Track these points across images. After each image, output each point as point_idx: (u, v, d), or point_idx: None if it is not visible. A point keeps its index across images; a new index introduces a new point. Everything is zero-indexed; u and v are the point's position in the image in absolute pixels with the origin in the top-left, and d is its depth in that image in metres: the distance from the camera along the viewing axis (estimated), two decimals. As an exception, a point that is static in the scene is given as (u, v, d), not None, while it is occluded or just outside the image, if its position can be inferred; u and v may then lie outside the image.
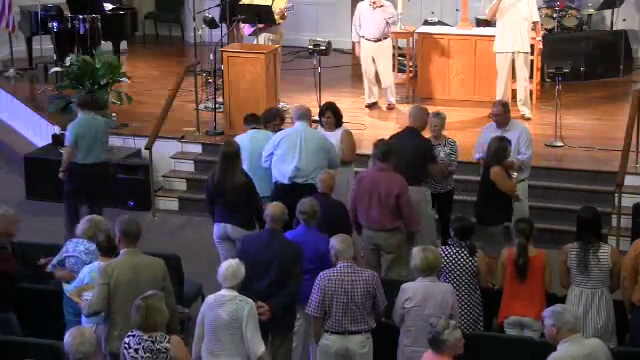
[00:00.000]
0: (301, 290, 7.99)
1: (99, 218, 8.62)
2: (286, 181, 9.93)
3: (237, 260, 7.55)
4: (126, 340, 6.80)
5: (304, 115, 10.18)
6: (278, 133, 10.22)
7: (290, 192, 9.60)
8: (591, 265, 8.20)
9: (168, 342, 6.74)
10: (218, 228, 9.51)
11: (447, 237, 9.77)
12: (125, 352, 6.79)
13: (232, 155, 9.42)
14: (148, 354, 6.70)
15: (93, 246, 8.28)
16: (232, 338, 7.32)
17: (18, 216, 8.54)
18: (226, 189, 9.33)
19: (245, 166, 9.82)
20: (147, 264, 7.61)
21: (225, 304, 7.33)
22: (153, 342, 6.72)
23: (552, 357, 6.65)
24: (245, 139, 10.28)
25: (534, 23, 13.23)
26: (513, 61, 13.13)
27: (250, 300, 7.39)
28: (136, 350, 6.74)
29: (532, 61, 14.03)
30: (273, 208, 8.26)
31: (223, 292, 7.40)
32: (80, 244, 8.38)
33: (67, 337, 6.49)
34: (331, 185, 9.20)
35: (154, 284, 7.42)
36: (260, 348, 7.34)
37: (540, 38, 13.50)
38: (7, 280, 8.29)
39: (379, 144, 9.61)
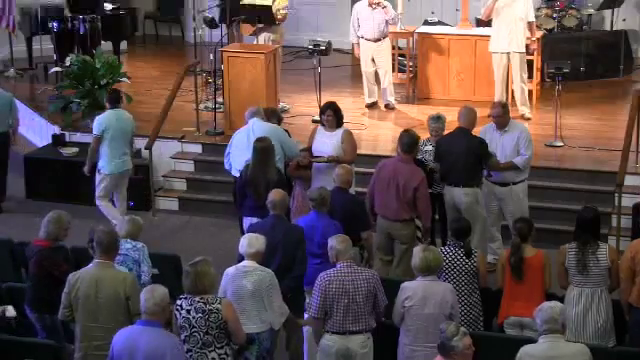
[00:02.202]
0: (310, 275, 8.13)
1: (138, 219, 8.67)
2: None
3: (258, 234, 7.82)
4: (178, 302, 7.07)
5: (256, 112, 10.40)
6: (235, 133, 10.41)
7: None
8: (590, 265, 8.20)
9: (219, 303, 7.06)
10: (247, 222, 9.58)
11: (447, 237, 9.80)
12: (177, 313, 7.06)
13: (266, 150, 9.58)
14: (200, 314, 7.02)
15: (140, 244, 8.45)
16: (256, 307, 7.67)
17: (70, 222, 8.44)
18: (258, 183, 9.44)
19: (106, 144, 10.91)
20: (111, 280, 7.33)
21: (247, 275, 7.65)
22: (205, 303, 7.02)
23: (521, 349, 6.81)
24: (112, 119, 10.99)
25: (529, 23, 13.20)
26: (509, 61, 13.14)
27: (270, 270, 7.73)
28: (188, 311, 7.04)
29: (532, 61, 14.05)
30: (274, 195, 8.51)
31: (244, 263, 7.72)
32: (125, 242, 8.40)
33: (141, 293, 6.78)
34: (347, 179, 9.30)
35: (114, 302, 7.27)
36: (287, 309, 7.80)
37: (534, 38, 13.47)
38: (57, 283, 8.17)
39: (405, 135, 9.67)
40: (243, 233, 10.18)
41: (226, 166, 10.50)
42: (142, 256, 8.41)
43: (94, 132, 11.09)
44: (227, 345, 7.15)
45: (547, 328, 6.72)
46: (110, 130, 10.99)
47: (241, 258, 7.85)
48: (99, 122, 11.06)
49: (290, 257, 8.16)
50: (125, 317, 7.31)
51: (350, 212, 8.98)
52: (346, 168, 9.43)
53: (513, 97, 13.37)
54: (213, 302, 7.06)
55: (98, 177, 11.20)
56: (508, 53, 13.10)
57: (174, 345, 6.71)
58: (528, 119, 13.10)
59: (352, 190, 9.65)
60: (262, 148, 9.58)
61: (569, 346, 6.81)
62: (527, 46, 13.24)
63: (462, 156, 9.89)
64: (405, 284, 7.71)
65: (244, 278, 7.65)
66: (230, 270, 7.74)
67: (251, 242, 7.75)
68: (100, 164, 11.14)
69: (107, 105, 11.23)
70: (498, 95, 13.15)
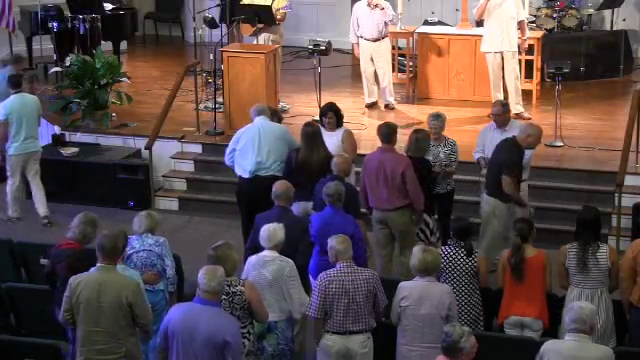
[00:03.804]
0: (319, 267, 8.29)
1: (155, 213, 8.77)
2: (247, 175, 10.18)
3: (278, 224, 8.01)
4: None
5: (262, 111, 10.45)
6: (240, 130, 10.45)
7: (252, 185, 10.09)
8: (590, 265, 8.20)
9: (243, 286, 7.38)
10: (297, 207, 9.64)
11: (447, 237, 9.79)
12: None
13: (315, 133, 9.92)
14: (224, 296, 7.23)
15: (161, 238, 8.51)
16: (275, 296, 7.87)
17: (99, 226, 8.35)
18: (312, 165, 9.68)
19: (12, 127, 11.51)
20: (114, 284, 7.25)
21: (267, 264, 7.89)
22: (229, 286, 7.27)
23: (545, 344, 6.86)
24: (15, 103, 11.56)
25: (519, 23, 13.19)
26: (503, 60, 13.15)
27: (290, 260, 7.95)
28: None
29: (532, 61, 14.05)
30: (277, 186, 8.76)
31: (265, 253, 7.97)
32: (146, 238, 8.47)
33: (201, 272, 6.91)
34: (345, 168, 9.43)
35: (116, 307, 7.20)
36: (307, 299, 7.86)
37: (526, 37, 13.46)
38: None
39: (383, 126, 9.87)
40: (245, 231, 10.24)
41: (228, 162, 10.43)
42: (165, 250, 8.48)
43: (0, 118, 11.60)
44: (250, 324, 7.46)
45: (574, 327, 6.75)
46: (14, 113, 11.53)
47: (252, 244, 8.15)
48: (3, 106, 11.59)
49: (293, 248, 8.29)
50: (127, 322, 7.27)
51: (346, 201, 9.03)
52: (344, 157, 9.56)
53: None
54: (236, 284, 7.35)
55: (6, 159, 11.79)
56: (501, 52, 13.11)
57: (234, 326, 6.92)
58: (528, 119, 13.08)
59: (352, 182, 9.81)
60: (312, 132, 9.90)
61: (594, 348, 6.81)
62: (518, 45, 13.23)
63: (496, 166, 9.78)
64: (402, 284, 7.72)
65: (264, 267, 7.88)
66: (252, 258, 7.97)
67: (270, 236, 7.95)
68: (6, 146, 11.67)
69: (10, 90, 11.71)
70: (492, 94, 13.17)
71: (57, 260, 8.07)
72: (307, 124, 10.16)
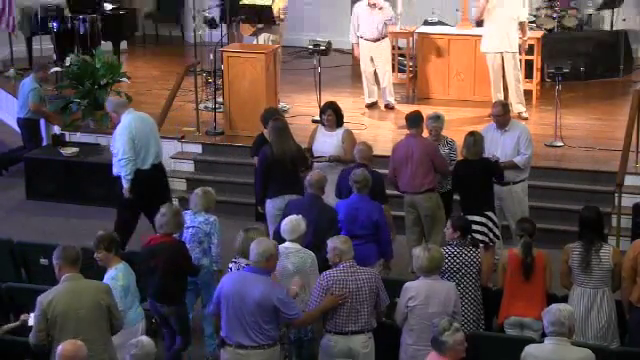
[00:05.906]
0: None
1: (211, 190, 8.96)
2: (148, 167, 10.40)
3: (298, 216, 8.16)
4: (230, 265, 7.89)
5: (126, 103, 10.76)
6: (124, 126, 10.38)
7: (152, 174, 10.41)
8: (593, 265, 8.20)
9: None
10: (276, 202, 9.79)
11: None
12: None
13: (284, 127, 10.09)
14: None
15: (212, 217, 8.74)
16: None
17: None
18: (286, 158, 9.83)
19: None
20: (88, 290, 7.28)
21: (290, 256, 8.04)
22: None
23: (525, 349, 6.87)
24: None
25: (520, 23, 13.19)
26: (503, 60, 13.14)
27: (312, 253, 8.14)
28: None
29: (532, 61, 14.05)
30: (312, 175, 9.02)
31: (287, 245, 8.12)
32: (198, 215, 8.74)
33: (252, 243, 7.37)
34: (368, 155, 9.71)
35: (97, 311, 7.20)
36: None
37: (526, 38, 13.46)
38: (182, 274, 8.38)
39: (408, 115, 10.25)
40: (260, 218, 10.27)
41: (131, 156, 10.34)
42: (214, 229, 8.73)
43: None
44: None
45: (553, 330, 6.74)
46: None
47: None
48: None
49: (321, 237, 8.37)
50: (107, 327, 7.27)
51: (372, 187, 9.26)
52: (367, 144, 9.85)
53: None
54: None
55: None
56: (501, 53, 13.11)
57: (282, 291, 7.34)
58: (525, 119, 13.08)
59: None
60: (281, 125, 10.03)
61: (574, 351, 6.79)
62: (519, 46, 13.23)
63: None
64: (408, 284, 7.71)
65: (287, 259, 7.98)
66: None
67: (293, 228, 8.09)
68: None
69: None
70: (493, 95, 13.17)
71: (151, 256, 8.24)
72: (275, 119, 10.27)
